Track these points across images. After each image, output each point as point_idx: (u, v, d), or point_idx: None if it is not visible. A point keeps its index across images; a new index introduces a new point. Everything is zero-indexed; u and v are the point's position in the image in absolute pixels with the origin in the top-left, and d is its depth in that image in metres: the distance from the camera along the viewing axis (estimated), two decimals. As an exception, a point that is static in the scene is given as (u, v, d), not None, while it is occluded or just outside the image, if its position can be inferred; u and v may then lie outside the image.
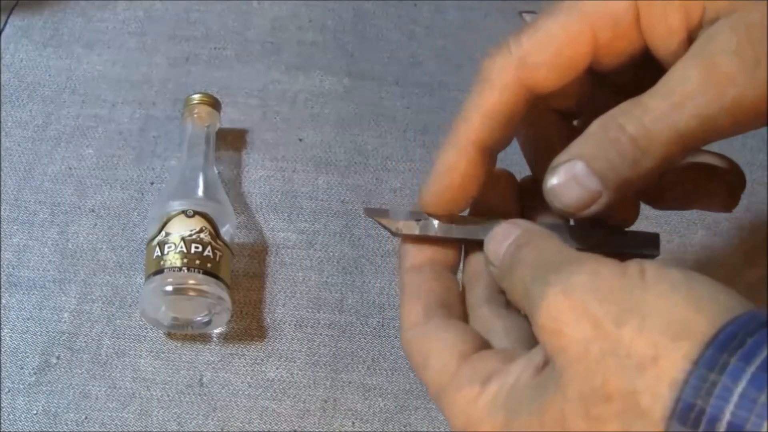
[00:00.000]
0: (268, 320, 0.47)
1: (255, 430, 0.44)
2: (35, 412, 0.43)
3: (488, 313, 0.30)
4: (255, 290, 0.48)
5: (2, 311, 0.46)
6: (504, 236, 0.28)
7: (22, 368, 0.45)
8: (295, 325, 0.47)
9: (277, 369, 0.46)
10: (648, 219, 0.51)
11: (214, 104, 0.51)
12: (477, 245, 0.32)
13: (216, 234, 0.45)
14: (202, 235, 0.44)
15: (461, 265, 0.33)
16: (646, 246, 0.33)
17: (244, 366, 0.46)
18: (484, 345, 0.29)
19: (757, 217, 0.52)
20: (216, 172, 0.50)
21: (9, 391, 0.44)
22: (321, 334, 0.47)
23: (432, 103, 0.57)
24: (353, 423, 0.44)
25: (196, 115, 0.51)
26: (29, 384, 0.44)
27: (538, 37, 0.29)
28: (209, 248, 0.44)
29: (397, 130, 0.55)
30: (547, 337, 0.23)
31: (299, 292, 0.48)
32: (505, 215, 0.31)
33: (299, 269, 0.49)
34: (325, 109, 0.56)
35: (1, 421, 0.43)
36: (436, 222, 0.32)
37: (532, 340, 0.27)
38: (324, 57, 0.59)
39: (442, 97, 0.57)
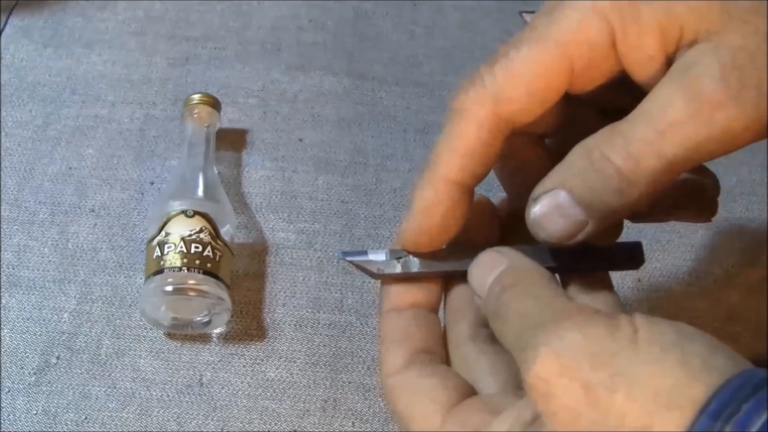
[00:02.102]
0: (268, 320, 0.47)
1: (255, 430, 0.44)
2: (35, 412, 0.43)
3: (473, 352, 0.30)
4: (255, 290, 0.48)
5: (2, 311, 0.46)
6: (489, 265, 0.28)
7: (22, 368, 0.45)
8: (295, 325, 0.47)
9: (277, 369, 0.46)
10: (648, 219, 0.51)
11: (214, 104, 0.51)
12: (459, 278, 0.31)
13: (216, 234, 0.45)
14: (202, 235, 0.44)
15: (443, 302, 0.32)
16: (630, 258, 0.32)
17: (244, 366, 0.46)
18: (468, 391, 0.28)
19: (757, 217, 0.52)
20: (216, 172, 0.50)
21: (9, 391, 0.44)
22: (321, 334, 0.47)
23: (432, 103, 0.57)
24: (353, 423, 0.44)
25: (196, 115, 0.51)
26: (29, 384, 0.44)
27: (512, 69, 0.28)
28: (209, 248, 0.44)
29: (397, 130, 0.55)
30: (537, 398, 0.23)
31: (299, 292, 0.48)
32: (485, 243, 0.30)
33: (299, 269, 0.49)
34: (325, 109, 0.56)
35: (1, 421, 0.43)
36: (417, 259, 0.31)
37: (519, 381, 0.26)
38: (324, 57, 0.59)
39: (442, 97, 0.57)
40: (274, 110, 0.56)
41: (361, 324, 0.47)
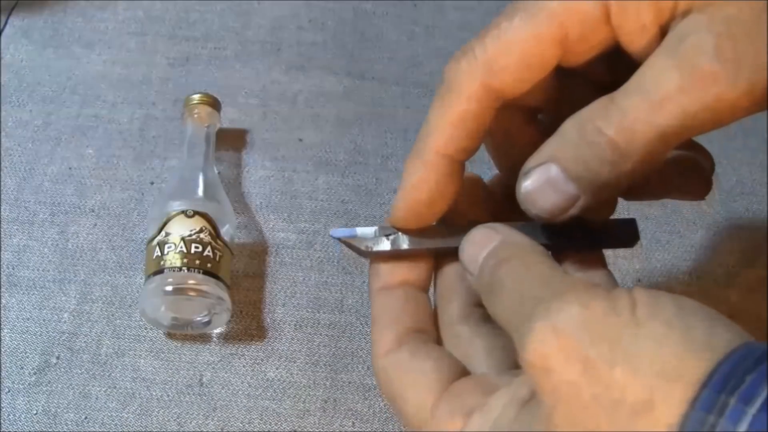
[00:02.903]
0: (268, 320, 0.47)
1: (255, 430, 0.44)
2: (35, 412, 0.43)
3: (466, 332, 0.29)
4: (255, 290, 0.48)
5: (2, 311, 0.46)
6: (482, 241, 0.27)
7: (22, 368, 0.45)
8: (295, 325, 0.47)
9: (277, 369, 0.46)
10: (648, 219, 0.51)
11: (214, 104, 0.51)
12: (450, 256, 0.30)
13: (216, 234, 0.45)
14: (202, 235, 0.44)
15: (434, 281, 0.32)
16: (625, 235, 0.32)
17: (244, 366, 0.46)
18: (461, 371, 0.28)
19: (757, 217, 0.52)
20: (216, 172, 0.50)
21: (9, 391, 0.44)
22: (321, 334, 0.47)
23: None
24: (353, 423, 0.44)
25: (196, 115, 0.51)
26: (29, 384, 0.44)
27: (504, 40, 0.27)
28: (209, 248, 0.44)
29: (397, 130, 0.55)
30: (535, 375, 0.22)
31: (299, 292, 0.48)
32: (476, 221, 0.29)
33: (299, 269, 0.49)
34: (325, 109, 0.56)
35: (1, 421, 0.43)
36: (406, 236, 0.30)
37: (513, 361, 0.25)
38: (324, 57, 0.59)
39: (442, 97, 0.57)
40: (274, 110, 0.56)
41: (361, 324, 0.47)
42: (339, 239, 0.31)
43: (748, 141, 0.55)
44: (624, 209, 0.52)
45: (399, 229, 0.31)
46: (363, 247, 0.31)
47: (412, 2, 0.62)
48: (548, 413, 0.22)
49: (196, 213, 0.44)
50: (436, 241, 0.31)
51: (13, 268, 0.48)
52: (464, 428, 0.25)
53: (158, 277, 0.43)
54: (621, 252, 0.50)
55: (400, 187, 0.30)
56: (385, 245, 0.30)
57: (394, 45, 0.60)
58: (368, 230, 0.31)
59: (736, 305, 0.49)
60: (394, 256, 0.31)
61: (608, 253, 0.49)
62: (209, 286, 0.43)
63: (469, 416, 0.25)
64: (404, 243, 0.31)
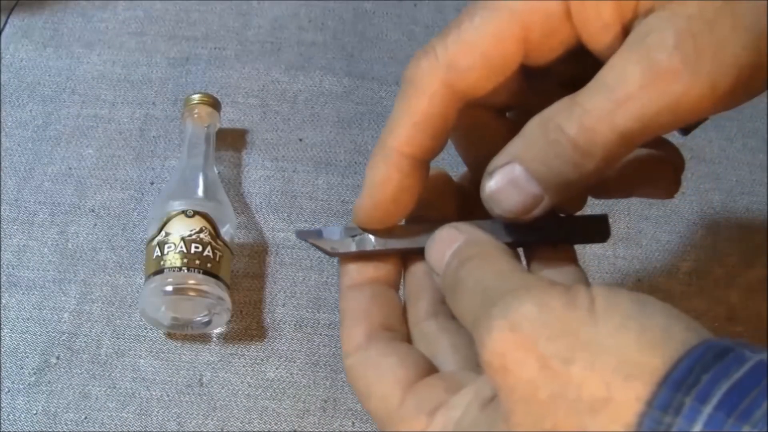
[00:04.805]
0: (268, 320, 0.47)
1: (255, 430, 0.44)
2: (35, 412, 0.43)
3: (434, 329, 0.29)
4: (255, 290, 0.48)
5: (2, 311, 0.46)
6: (446, 242, 0.27)
7: (22, 368, 0.45)
8: (295, 325, 0.47)
9: (277, 369, 0.46)
10: (647, 219, 0.51)
11: (214, 104, 0.51)
12: (418, 255, 0.30)
13: (216, 234, 0.45)
14: (202, 235, 0.44)
15: (403, 279, 0.32)
16: (595, 231, 0.31)
17: (244, 366, 0.46)
18: (429, 368, 0.28)
19: (757, 217, 0.52)
20: (216, 172, 0.50)
21: (9, 391, 0.44)
22: (321, 334, 0.47)
23: (432, 103, 0.57)
24: (353, 423, 0.44)
25: (196, 115, 0.51)
26: (29, 384, 0.44)
27: (465, 39, 0.27)
28: (209, 248, 0.44)
29: (397, 130, 0.55)
30: (493, 374, 0.22)
31: (299, 292, 0.48)
32: (444, 219, 0.29)
33: (299, 269, 0.49)
34: (325, 109, 0.56)
35: (1, 421, 0.43)
36: (372, 236, 0.30)
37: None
38: (324, 57, 0.59)
39: (442, 97, 0.57)
40: (274, 110, 0.56)
41: (361, 324, 0.47)
42: (304, 239, 0.31)
43: (748, 141, 0.55)
44: (625, 208, 0.52)
45: (364, 230, 0.30)
46: (329, 248, 0.30)
47: (412, 2, 0.62)
48: (507, 412, 0.22)
49: (196, 213, 0.45)
50: (402, 242, 0.30)
51: (13, 268, 0.48)
52: (428, 426, 0.25)
53: (158, 277, 0.43)
54: (621, 252, 0.50)
55: (364, 186, 0.29)
56: (350, 246, 0.30)
57: (394, 45, 0.60)
58: (334, 230, 0.30)
59: (736, 305, 0.49)
60: (361, 256, 0.30)
61: (608, 254, 0.50)
62: (209, 286, 0.43)
63: (433, 415, 0.25)
64: (370, 244, 0.30)
